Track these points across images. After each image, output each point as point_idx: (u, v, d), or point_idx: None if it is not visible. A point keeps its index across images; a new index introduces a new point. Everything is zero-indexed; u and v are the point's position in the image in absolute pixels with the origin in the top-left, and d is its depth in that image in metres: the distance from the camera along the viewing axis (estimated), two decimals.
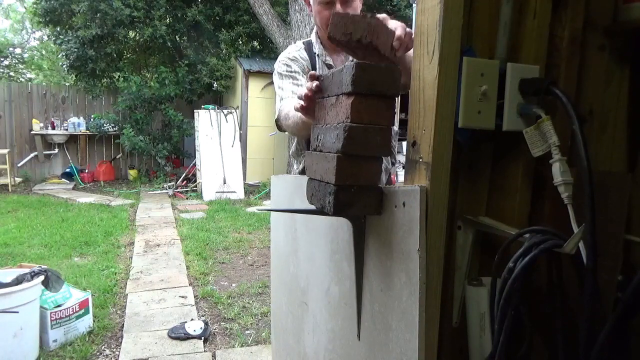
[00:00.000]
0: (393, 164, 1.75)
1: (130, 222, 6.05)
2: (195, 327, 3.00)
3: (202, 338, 2.93)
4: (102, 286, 3.72)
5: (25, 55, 15.72)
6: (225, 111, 7.98)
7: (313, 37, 1.67)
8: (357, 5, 1.52)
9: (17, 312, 2.41)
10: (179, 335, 2.96)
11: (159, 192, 8.16)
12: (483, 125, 0.87)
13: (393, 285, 0.89)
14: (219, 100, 10.18)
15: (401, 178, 1.05)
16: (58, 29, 9.23)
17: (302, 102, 1.07)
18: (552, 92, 0.83)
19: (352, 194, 0.89)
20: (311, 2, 1.53)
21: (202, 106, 8.18)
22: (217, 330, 3.10)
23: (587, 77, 0.96)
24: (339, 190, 0.88)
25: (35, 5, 9.51)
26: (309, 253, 1.35)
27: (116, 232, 5.45)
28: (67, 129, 9.12)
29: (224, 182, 7.74)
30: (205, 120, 7.80)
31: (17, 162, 8.86)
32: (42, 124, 9.03)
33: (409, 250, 0.84)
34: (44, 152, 9.15)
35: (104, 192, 8.19)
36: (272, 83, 1.74)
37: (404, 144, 6.74)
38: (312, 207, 1.03)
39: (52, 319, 2.72)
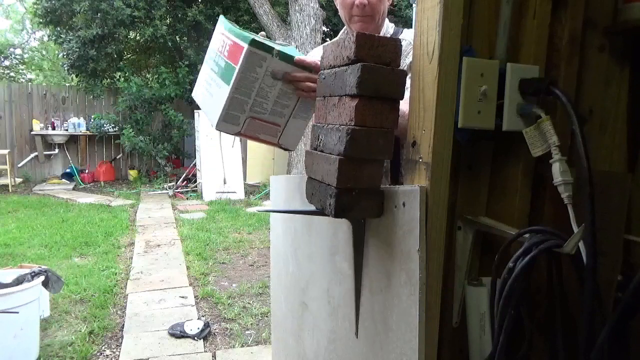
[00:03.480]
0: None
1: (131, 222, 6.05)
2: (193, 326, 3.01)
3: (196, 338, 2.93)
4: (103, 286, 3.72)
5: (26, 56, 15.72)
6: None
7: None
8: None
9: (17, 313, 2.41)
10: (175, 332, 2.98)
11: (159, 192, 8.16)
12: (483, 125, 0.87)
13: (393, 285, 0.89)
14: None
15: None
16: (58, 29, 9.23)
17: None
18: (552, 92, 0.83)
19: (353, 197, 0.89)
20: None
21: None
22: (217, 330, 3.11)
23: (587, 77, 0.96)
24: (340, 193, 0.88)
25: (35, 6, 9.51)
26: (308, 253, 1.35)
27: (116, 232, 5.45)
28: (67, 130, 9.12)
29: (224, 183, 7.74)
30: (205, 120, 7.80)
31: (17, 163, 8.86)
32: (42, 125, 9.03)
33: (409, 250, 0.84)
34: (44, 153, 9.15)
35: (104, 193, 8.19)
36: None
37: None
38: (312, 207, 1.03)
39: None
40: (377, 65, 0.85)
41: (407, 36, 1.42)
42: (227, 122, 1.17)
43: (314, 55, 1.54)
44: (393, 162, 1.29)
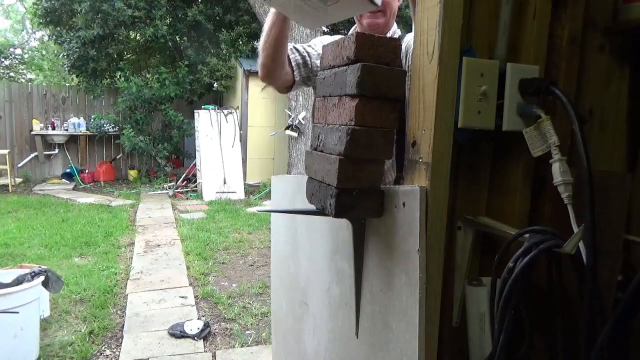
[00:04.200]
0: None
1: (131, 222, 6.05)
2: (193, 326, 3.01)
3: (196, 338, 2.93)
4: (103, 286, 3.72)
5: (26, 56, 15.71)
6: (226, 111, 7.98)
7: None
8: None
9: (18, 313, 2.41)
10: (175, 332, 2.98)
11: (159, 192, 8.15)
12: (483, 125, 0.87)
13: (393, 285, 0.89)
14: (219, 100, 10.18)
15: None
16: (58, 29, 9.24)
17: None
18: (552, 92, 0.83)
19: (354, 197, 0.89)
20: None
21: (202, 106, 8.18)
22: (217, 330, 3.11)
23: (587, 77, 0.96)
24: (341, 193, 0.88)
25: (35, 6, 9.51)
26: (309, 253, 1.35)
27: (116, 232, 5.45)
28: (67, 130, 9.12)
29: (224, 183, 7.74)
30: (205, 120, 7.81)
31: (17, 163, 8.86)
32: (42, 125, 9.03)
33: (409, 250, 0.84)
34: (44, 153, 9.15)
35: (104, 193, 8.19)
36: None
37: None
38: (313, 207, 1.03)
39: None
40: (377, 65, 0.85)
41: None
42: None
43: (316, 45, 1.54)
44: (398, 155, 1.28)
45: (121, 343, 2.90)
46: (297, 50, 1.50)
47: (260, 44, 1.42)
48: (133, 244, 5.08)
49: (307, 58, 1.51)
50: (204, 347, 2.87)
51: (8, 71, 14.20)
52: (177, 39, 9.56)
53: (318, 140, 1.01)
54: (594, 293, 0.76)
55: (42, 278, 2.57)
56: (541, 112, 0.85)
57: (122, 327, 3.11)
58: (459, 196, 0.93)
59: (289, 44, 1.45)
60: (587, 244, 0.76)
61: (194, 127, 8.43)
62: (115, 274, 4.06)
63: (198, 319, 3.22)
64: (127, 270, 4.23)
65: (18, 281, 2.48)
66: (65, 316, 3.20)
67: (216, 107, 8.15)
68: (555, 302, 0.86)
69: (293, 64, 1.49)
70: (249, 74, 8.46)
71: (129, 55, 10.56)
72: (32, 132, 8.95)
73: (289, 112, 7.28)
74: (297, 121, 7.08)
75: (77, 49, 8.57)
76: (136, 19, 8.45)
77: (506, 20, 0.89)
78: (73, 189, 8.47)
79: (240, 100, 8.77)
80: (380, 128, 0.87)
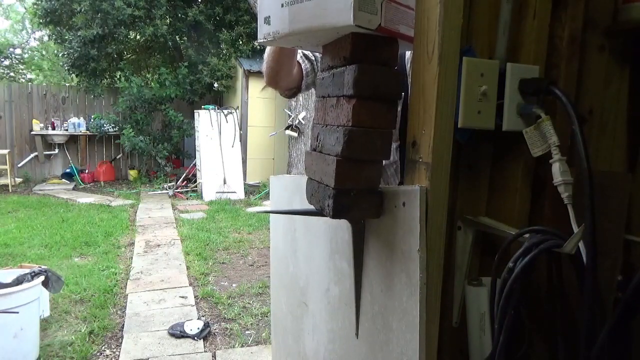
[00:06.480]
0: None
1: (131, 222, 6.05)
2: (193, 326, 3.01)
3: (196, 338, 2.93)
4: (102, 286, 3.72)
5: (26, 56, 15.72)
6: (226, 111, 7.98)
7: None
8: None
9: (17, 313, 2.41)
10: (175, 332, 2.98)
11: (159, 192, 8.15)
12: (483, 125, 0.87)
13: (393, 286, 0.89)
14: (219, 100, 10.19)
15: None
16: (59, 29, 9.24)
17: None
18: (552, 92, 0.83)
19: (352, 197, 0.89)
20: None
21: (202, 106, 8.19)
22: (217, 330, 3.11)
23: (587, 77, 0.95)
24: (338, 194, 0.88)
25: (35, 6, 9.52)
26: (308, 253, 1.35)
27: (116, 232, 5.45)
28: (67, 130, 9.13)
29: (224, 183, 7.74)
30: (205, 120, 7.81)
31: (17, 163, 8.87)
32: (42, 125, 9.04)
33: (409, 250, 0.84)
34: (44, 153, 9.16)
35: (104, 193, 8.19)
36: None
37: None
38: (312, 207, 1.03)
39: None
40: (374, 65, 0.85)
41: None
42: (364, 10, 0.87)
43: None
44: (402, 161, 1.28)
45: (121, 343, 2.90)
46: (307, 57, 1.49)
47: (265, 55, 1.41)
48: (133, 244, 5.08)
49: (315, 63, 1.50)
50: (204, 347, 2.87)
51: (8, 71, 14.20)
52: (177, 38, 9.56)
53: (317, 140, 1.01)
54: (594, 293, 0.76)
55: (42, 278, 2.57)
56: (541, 112, 0.85)
57: (122, 327, 3.11)
58: (459, 196, 0.93)
59: (298, 51, 1.43)
60: (587, 244, 0.76)
61: (194, 127, 8.43)
62: (115, 274, 4.06)
63: (198, 319, 3.22)
64: (127, 270, 4.23)
65: (18, 281, 2.48)
66: (65, 316, 3.20)
67: (216, 107, 8.15)
68: (556, 302, 0.86)
69: (303, 72, 1.48)
70: (249, 74, 8.46)
71: (129, 55, 10.57)
72: (32, 132, 8.96)
73: (289, 112, 7.28)
74: (297, 121, 7.08)
75: (78, 49, 8.57)
76: (136, 18, 8.45)
77: (506, 20, 0.89)
78: (73, 189, 8.47)
79: (240, 100, 8.77)
80: (377, 129, 0.87)
